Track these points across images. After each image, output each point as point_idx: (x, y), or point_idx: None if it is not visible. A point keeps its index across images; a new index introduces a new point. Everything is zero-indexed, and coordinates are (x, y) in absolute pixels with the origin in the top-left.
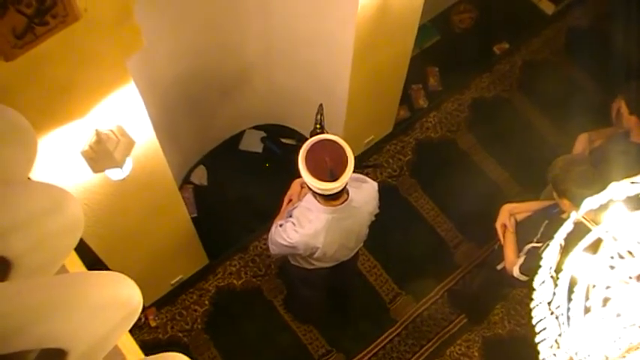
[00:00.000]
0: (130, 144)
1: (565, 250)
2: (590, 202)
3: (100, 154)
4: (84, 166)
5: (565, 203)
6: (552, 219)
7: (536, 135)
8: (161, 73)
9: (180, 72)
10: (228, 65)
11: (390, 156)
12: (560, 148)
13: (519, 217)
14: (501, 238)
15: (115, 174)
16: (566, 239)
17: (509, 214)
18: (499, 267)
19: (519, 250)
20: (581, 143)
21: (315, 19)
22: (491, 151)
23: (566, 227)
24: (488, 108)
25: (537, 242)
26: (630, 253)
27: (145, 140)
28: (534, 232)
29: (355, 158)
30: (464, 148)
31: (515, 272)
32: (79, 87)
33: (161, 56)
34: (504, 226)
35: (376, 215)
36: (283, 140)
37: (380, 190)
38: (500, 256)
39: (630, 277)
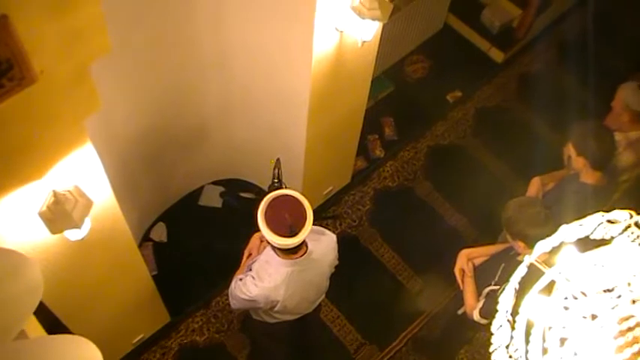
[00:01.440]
0: (88, 204)
1: (521, 292)
2: (542, 246)
3: (57, 215)
4: (42, 227)
5: (520, 245)
6: (509, 262)
7: (492, 179)
8: (119, 130)
9: (139, 129)
10: (186, 122)
11: (349, 206)
12: (516, 191)
13: (477, 261)
14: (460, 283)
15: (74, 234)
16: (521, 282)
17: (467, 259)
18: (460, 311)
19: (479, 293)
20: (535, 186)
21: (272, 75)
22: (449, 198)
23: (520, 271)
24: (444, 155)
25: (495, 285)
26: (583, 293)
27: (103, 200)
28: (492, 275)
29: (315, 210)
30: (421, 196)
31: (476, 316)
32: (36, 148)
33: (119, 113)
34: (463, 271)
35: (336, 266)
36: (242, 194)
37: (340, 241)
38: (461, 300)
39: (585, 317)
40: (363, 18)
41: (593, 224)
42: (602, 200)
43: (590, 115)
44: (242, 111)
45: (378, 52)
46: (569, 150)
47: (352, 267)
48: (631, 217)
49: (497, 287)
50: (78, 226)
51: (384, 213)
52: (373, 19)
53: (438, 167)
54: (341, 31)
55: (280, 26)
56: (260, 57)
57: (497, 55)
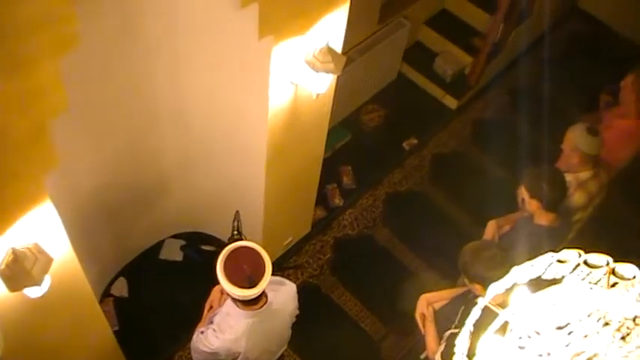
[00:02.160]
0: (48, 261)
1: (477, 334)
2: (495, 288)
3: (17, 273)
4: (0, 284)
5: (477, 288)
6: (468, 304)
7: (450, 224)
8: (79, 185)
9: (98, 184)
10: (145, 177)
11: (310, 256)
12: (473, 235)
13: (437, 305)
14: (422, 328)
15: (33, 292)
16: (477, 324)
17: (427, 304)
18: (422, 356)
19: (440, 337)
20: (491, 229)
21: (229, 129)
22: (408, 243)
23: (475, 313)
24: (402, 202)
25: (455, 328)
26: (537, 332)
27: (63, 256)
28: (453, 318)
29: (276, 260)
30: (381, 243)
31: None
32: None
33: (78, 169)
34: (423, 316)
35: (298, 316)
36: (203, 247)
37: (302, 290)
38: (423, 345)
39: (540, 355)
40: (317, 71)
41: (544, 264)
42: (557, 241)
43: (543, 157)
44: (201, 165)
45: (334, 103)
46: (523, 193)
47: (314, 316)
48: (579, 256)
49: (458, 330)
50: (38, 283)
51: (344, 261)
52: (327, 72)
53: (396, 214)
54: (296, 84)
55: (236, 81)
56: (217, 111)
57: (451, 102)
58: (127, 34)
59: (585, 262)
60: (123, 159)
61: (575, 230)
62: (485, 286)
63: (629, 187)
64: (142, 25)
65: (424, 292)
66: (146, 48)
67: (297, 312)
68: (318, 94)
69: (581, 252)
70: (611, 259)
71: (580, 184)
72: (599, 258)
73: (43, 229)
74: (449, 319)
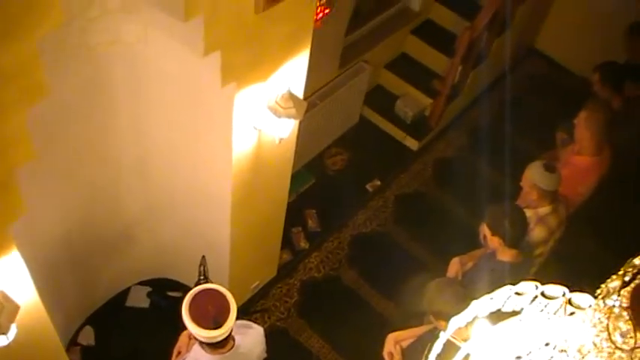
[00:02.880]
0: (14, 310)
1: None
2: (456, 322)
3: None
4: None
5: (442, 325)
6: (435, 341)
7: (415, 263)
8: (45, 233)
9: (64, 232)
10: (111, 224)
11: (277, 299)
12: (437, 273)
13: (405, 343)
14: None
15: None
16: (440, 358)
17: (395, 342)
18: None
19: None
20: (454, 267)
21: (193, 176)
22: (375, 284)
23: (437, 347)
24: (368, 243)
25: None
26: None
27: (30, 304)
28: (420, 356)
29: (243, 304)
30: (348, 284)
31: None
32: None
33: (45, 217)
34: (391, 355)
35: (266, 359)
36: (170, 293)
37: (269, 334)
38: None
39: None
40: (279, 117)
41: (503, 297)
42: (520, 276)
43: (503, 195)
44: (166, 211)
45: (297, 147)
46: (485, 230)
47: (283, 359)
48: (537, 287)
49: None
50: (4, 332)
51: (311, 304)
52: (289, 118)
53: (362, 255)
54: (259, 130)
55: (200, 128)
56: (181, 158)
57: (412, 144)
58: (92, 85)
59: (542, 294)
60: (88, 207)
61: (537, 264)
62: (448, 322)
63: (589, 220)
64: (106, 75)
65: (392, 331)
66: (110, 98)
67: (265, 355)
68: (281, 139)
69: (538, 284)
70: (567, 290)
71: (540, 220)
72: (555, 289)
73: (10, 277)
74: (417, 357)
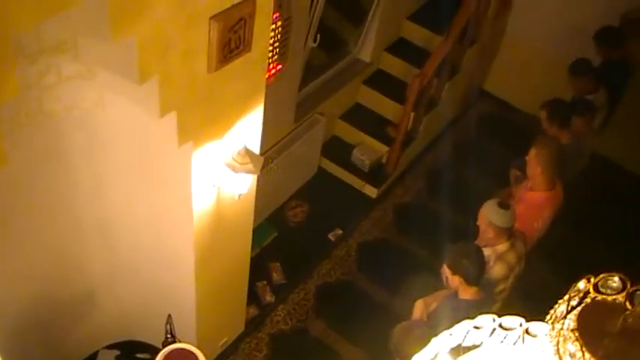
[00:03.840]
0: None
1: None
2: (417, 359)
3: None
4: None
5: None
6: None
7: (380, 308)
8: (8, 298)
9: (27, 297)
10: (74, 287)
11: (246, 354)
12: (403, 316)
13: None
14: None
15: None
16: None
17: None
18: None
19: None
20: (419, 309)
21: (155, 236)
22: (342, 332)
23: None
24: (333, 292)
25: None
26: None
27: None
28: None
29: None
30: (316, 335)
31: None
32: None
33: (7, 282)
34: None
35: None
36: (138, 356)
37: None
38: None
39: None
40: (237, 173)
41: (462, 332)
42: (482, 313)
43: (463, 235)
44: (130, 273)
45: (257, 201)
46: (446, 271)
47: None
48: (494, 320)
49: None
50: None
51: (280, 357)
52: (247, 173)
53: (328, 305)
54: (218, 187)
55: (160, 188)
56: (142, 220)
57: (371, 191)
58: (51, 151)
59: (500, 325)
60: (52, 272)
61: (500, 300)
62: None
63: (549, 255)
64: (66, 140)
65: None
66: (70, 162)
67: None
68: (240, 195)
69: (495, 316)
70: (524, 320)
71: (499, 257)
72: (512, 320)
73: None
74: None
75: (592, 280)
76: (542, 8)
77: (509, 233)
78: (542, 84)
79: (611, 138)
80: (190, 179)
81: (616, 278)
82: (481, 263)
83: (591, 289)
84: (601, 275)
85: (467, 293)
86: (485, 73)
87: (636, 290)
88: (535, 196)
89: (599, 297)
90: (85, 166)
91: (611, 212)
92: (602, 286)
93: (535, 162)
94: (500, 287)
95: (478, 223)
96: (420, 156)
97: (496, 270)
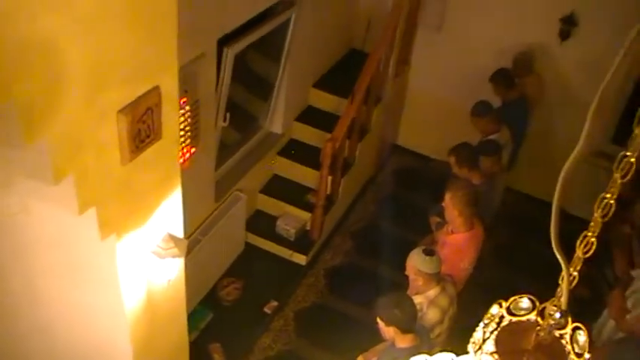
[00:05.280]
0: None
1: None
2: None
3: None
4: None
5: None
6: None
7: None
8: None
9: None
10: None
11: None
12: None
13: None
14: None
15: None
16: None
17: None
18: None
19: None
20: None
21: (91, 332)
22: None
23: None
24: None
25: None
26: None
27: None
28: None
29: None
30: None
31: None
32: None
33: None
34: None
35: None
36: None
37: None
38: None
39: None
40: (163, 258)
41: None
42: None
43: (395, 287)
44: None
45: (188, 285)
46: (380, 323)
47: None
48: (426, 359)
49: None
50: None
51: None
52: (173, 257)
53: None
54: (146, 275)
55: (90, 284)
56: (78, 318)
57: (300, 259)
58: None
59: None
60: None
61: (439, 344)
62: None
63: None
64: None
65: None
66: (1, 267)
67: None
68: (170, 281)
69: (427, 355)
70: (454, 355)
71: (431, 302)
72: (444, 356)
73: None
74: None
75: (504, 304)
76: (437, 61)
77: (438, 278)
78: (450, 130)
79: (521, 171)
80: (117, 271)
81: (525, 299)
82: (412, 309)
83: (505, 313)
84: (511, 298)
85: (404, 342)
86: (395, 129)
87: (544, 307)
88: (457, 238)
89: (514, 318)
90: (18, 271)
91: (531, 241)
92: (514, 308)
93: (451, 206)
94: (437, 331)
95: (407, 272)
96: (344, 217)
97: (430, 315)
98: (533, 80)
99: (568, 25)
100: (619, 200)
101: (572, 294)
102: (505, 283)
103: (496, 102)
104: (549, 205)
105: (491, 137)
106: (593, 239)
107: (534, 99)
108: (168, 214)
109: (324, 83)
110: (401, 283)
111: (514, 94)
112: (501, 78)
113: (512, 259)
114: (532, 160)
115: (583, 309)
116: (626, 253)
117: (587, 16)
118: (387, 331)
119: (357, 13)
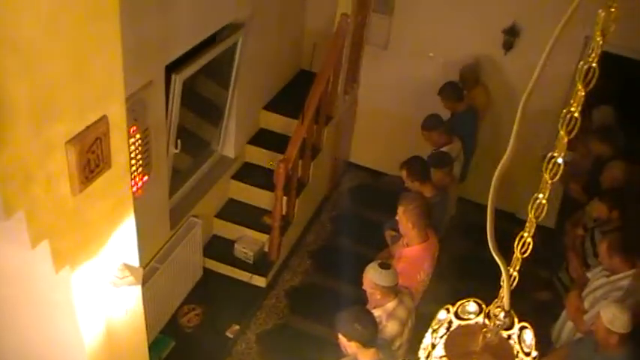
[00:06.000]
0: None
1: None
2: None
3: None
4: None
5: None
6: None
7: None
8: None
9: None
10: None
11: None
12: None
13: None
14: None
15: None
16: None
17: None
18: None
19: None
20: None
21: None
22: None
23: None
24: None
25: None
26: None
27: None
28: None
29: None
30: None
31: None
32: None
33: None
34: None
35: None
36: None
37: None
38: None
39: None
40: (119, 287)
41: None
42: None
43: (355, 303)
44: None
45: (148, 314)
46: (341, 340)
47: None
48: None
49: None
50: None
51: None
52: (129, 285)
53: None
54: (104, 306)
55: (47, 320)
56: (34, 353)
57: (259, 281)
58: None
59: None
60: None
61: (400, 356)
62: None
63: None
64: None
65: None
66: None
67: None
68: (127, 310)
69: None
70: None
71: (390, 315)
72: None
73: None
74: None
75: (451, 308)
76: (385, 78)
77: (395, 291)
78: (402, 145)
79: (472, 181)
80: (73, 304)
81: (471, 303)
82: (372, 323)
83: (452, 317)
84: (458, 303)
85: (366, 356)
86: (347, 146)
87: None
88: (412, 251)
89: (462, 322)
90: None
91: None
92: (461, 312)
93: (405, 219)
94: (397, 343)
95: (364, 287)
96: (301, 237)
97: (390, 328)
98: (480, 91)
99: (510, 36)
100: (572, 204)
101: (534, 297)
102: (461, 293)
103: (445, 114)
104: (501, 213)
105: (442, 149)
106: (529, 239)
107: (482, 110)
108: (123, 243)
109: (275, 105)
110: (361, 299)
111: (463, 106)
112: (450, 91)
113: (468, 268)
114: (482, 170)
115: (544, 311)
116: (579, 255)
117: (528, 26)
118: (349, 346)
119: (303, 34)
